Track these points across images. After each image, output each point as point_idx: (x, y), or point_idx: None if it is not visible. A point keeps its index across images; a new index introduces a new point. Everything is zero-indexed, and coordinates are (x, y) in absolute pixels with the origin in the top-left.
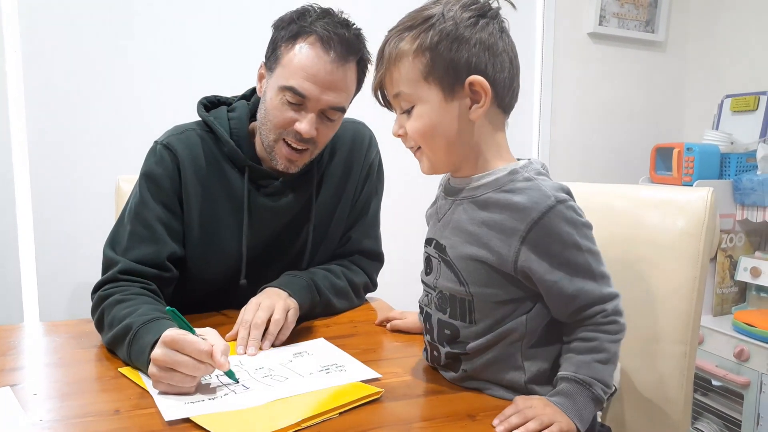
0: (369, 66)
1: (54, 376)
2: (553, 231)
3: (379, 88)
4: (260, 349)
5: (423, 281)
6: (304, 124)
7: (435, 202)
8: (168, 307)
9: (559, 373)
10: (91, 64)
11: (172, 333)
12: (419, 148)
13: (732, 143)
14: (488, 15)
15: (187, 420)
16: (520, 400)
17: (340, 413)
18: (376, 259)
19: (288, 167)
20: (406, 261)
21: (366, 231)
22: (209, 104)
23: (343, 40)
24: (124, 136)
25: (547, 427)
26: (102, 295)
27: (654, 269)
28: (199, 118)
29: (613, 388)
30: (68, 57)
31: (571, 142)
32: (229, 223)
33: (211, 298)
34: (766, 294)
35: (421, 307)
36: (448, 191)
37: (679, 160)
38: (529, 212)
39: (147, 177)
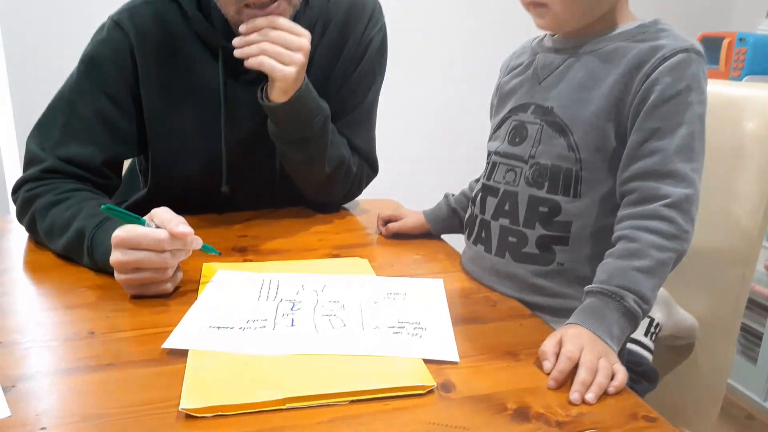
0: None
1: (19, 285)
2: (677, 72)
3: None
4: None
5: (505, 153)
6: None
7: (517, 70)
8: (103, 206)
9: (588, 286)
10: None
11: (120, 233)
12: (542, 4)
13: None
14: None
15: (184, 353)
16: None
17: (351, 401)
18: (368, 165)
19: None
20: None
21: (357, 127)
22: None
23: None
24: None
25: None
26: (27, 196)
27: (714, 179)
28: None
29: (650, 306)
30: (49, 49)
31: None
32: (202, 117)
33: (190, 202)
34: None
35: (483, 189)
36: (558, 49)
37: (728, 51)
38: (661, 49)
39: (89, 61)
